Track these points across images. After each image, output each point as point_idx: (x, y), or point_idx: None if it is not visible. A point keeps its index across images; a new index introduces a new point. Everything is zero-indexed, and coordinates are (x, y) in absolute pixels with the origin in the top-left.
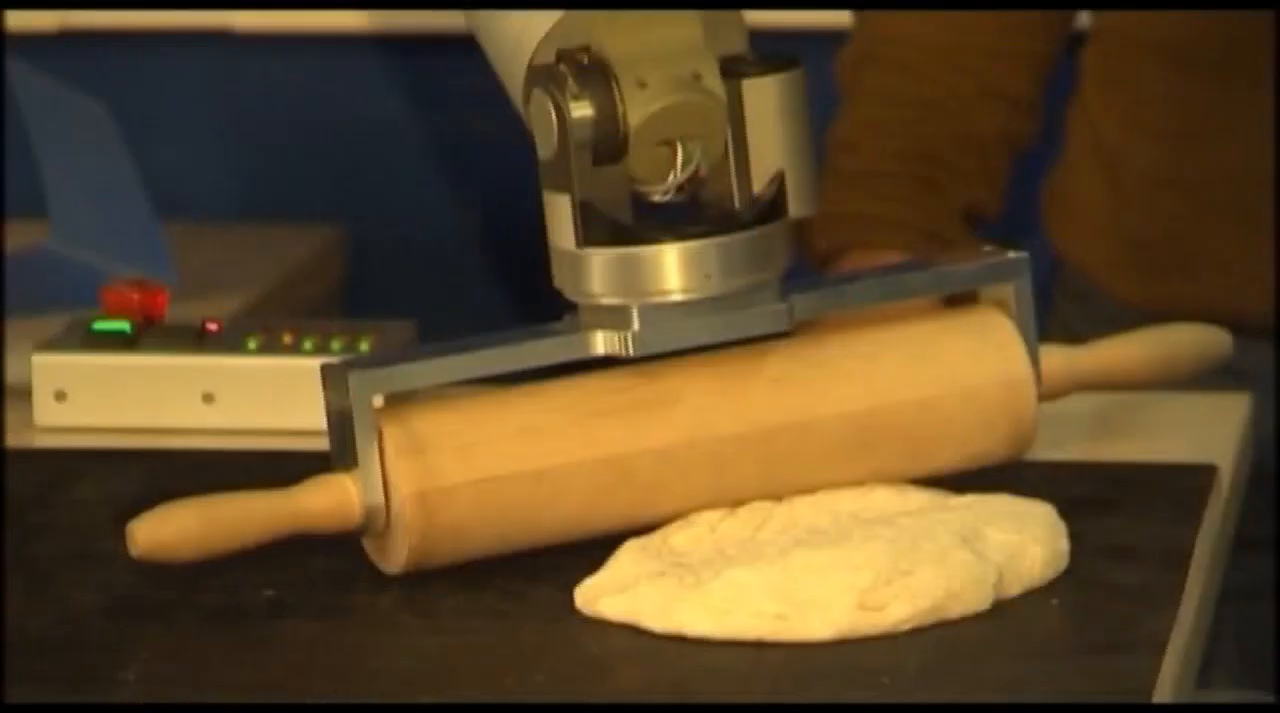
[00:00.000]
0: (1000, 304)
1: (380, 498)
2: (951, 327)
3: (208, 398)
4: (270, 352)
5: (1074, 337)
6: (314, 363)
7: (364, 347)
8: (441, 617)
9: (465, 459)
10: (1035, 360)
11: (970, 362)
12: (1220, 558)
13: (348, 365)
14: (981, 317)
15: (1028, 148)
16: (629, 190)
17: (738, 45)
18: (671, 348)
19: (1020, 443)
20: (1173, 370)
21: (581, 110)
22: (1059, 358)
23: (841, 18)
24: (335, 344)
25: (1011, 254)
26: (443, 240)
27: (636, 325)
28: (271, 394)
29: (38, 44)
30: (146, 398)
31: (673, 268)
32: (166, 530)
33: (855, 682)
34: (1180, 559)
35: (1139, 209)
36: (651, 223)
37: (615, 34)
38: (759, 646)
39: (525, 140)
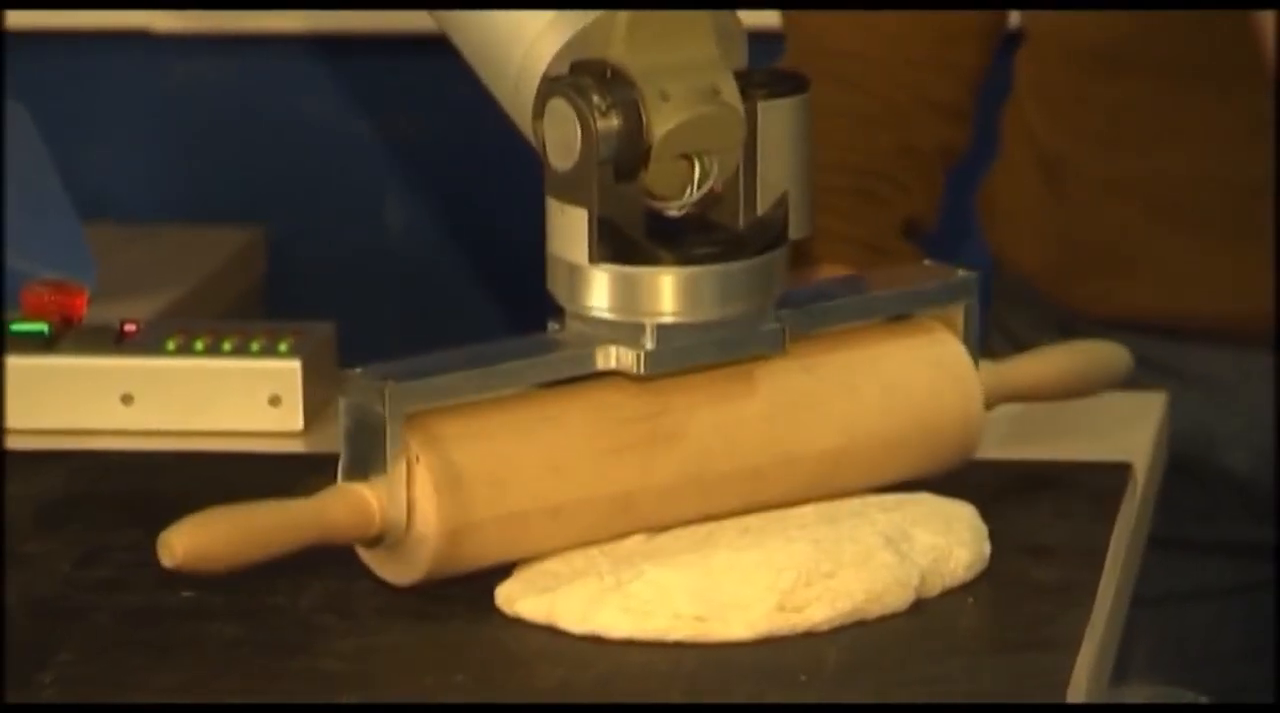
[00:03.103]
0: (947, 320)
1: (403, 511)
2: (914, 353)
3: (126, 399)
4: (189, 353)
5: (1012, 338)
6: (233, 364)
7: (283, 348)
8: (362, 617)
9: (491, 489)
10: (979, 380)
11: (934, 394)
12: (1135, 555)
13: (376, 376)
14: (938, 342)
15: (961, 159)
16: (644, 205)
17: (741, 60)
18: (676, 367)
19: (964, 458)
20: (1086, 387)
21: (608, 122)
22: (990, 375)
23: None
24: (254, 345)
25: (961, 273)
26: (362, 242)
27: (650, 345)
28: (190, 395)
29: None
30: (65, 399)
31: (686, 290)
32: (204, 540)
33: (773, 681)
34: (1095, 556)
35: (1081, 214)
36: (659, 241)
37: (633, 46)
38: (678, 645)
39: (444, 142)
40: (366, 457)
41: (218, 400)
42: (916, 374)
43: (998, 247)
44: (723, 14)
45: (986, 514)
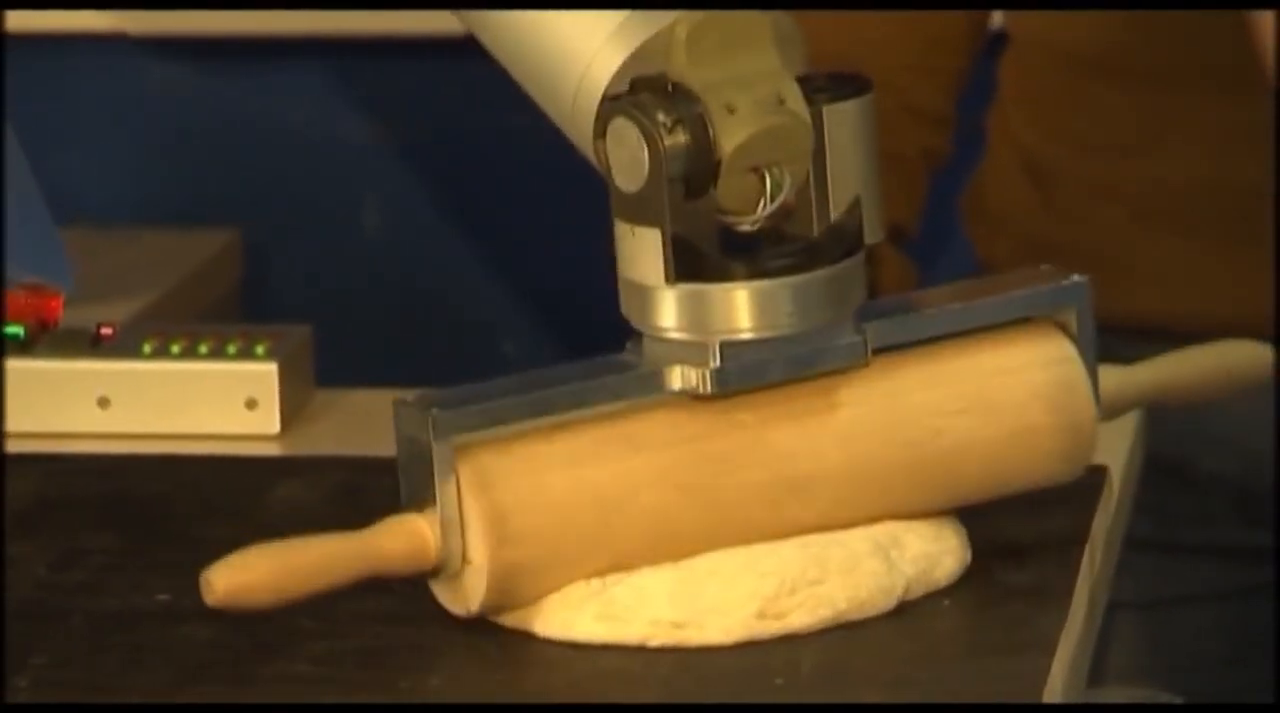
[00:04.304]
0: (1060, 324)
1: (458, 543)
2: (1016, 364)
3: (103, 402)
4: (165, 356)
5: None
6: (209, 367)
7: (260, 351)
8: (337, 620)
9: (543, 528)
10: (1095, 384)
11: (1035, 409)
12: (1111, 557)
13: (426, 403)
14: (1045, 350)
15: (943, 165)
16: (716, 222)
17: (801, 65)
18: (749, 385)
19: (1074, 472)
20: (1228, 386)
21: (675, 139)
22: (1116, 377)
23: None
24: (231, 348)
25: (1075, 278)
26: (340, 245)
27: (715, 363)
28: (166, 398)
29: None
30: (41, 403)
31: (754, 305)
32: (244, 578)
33: (749, 684)
34: (1071, 559)
35: (1069, 217)
36: (730, 256)
37: (694, 59)
38: (656, 649)
39: (422, 146)
40: (420, 488)
41: (194, 403)
42: (1013, 387)
43: (983, 250)
44: (780, 18)
45: (963, 517)
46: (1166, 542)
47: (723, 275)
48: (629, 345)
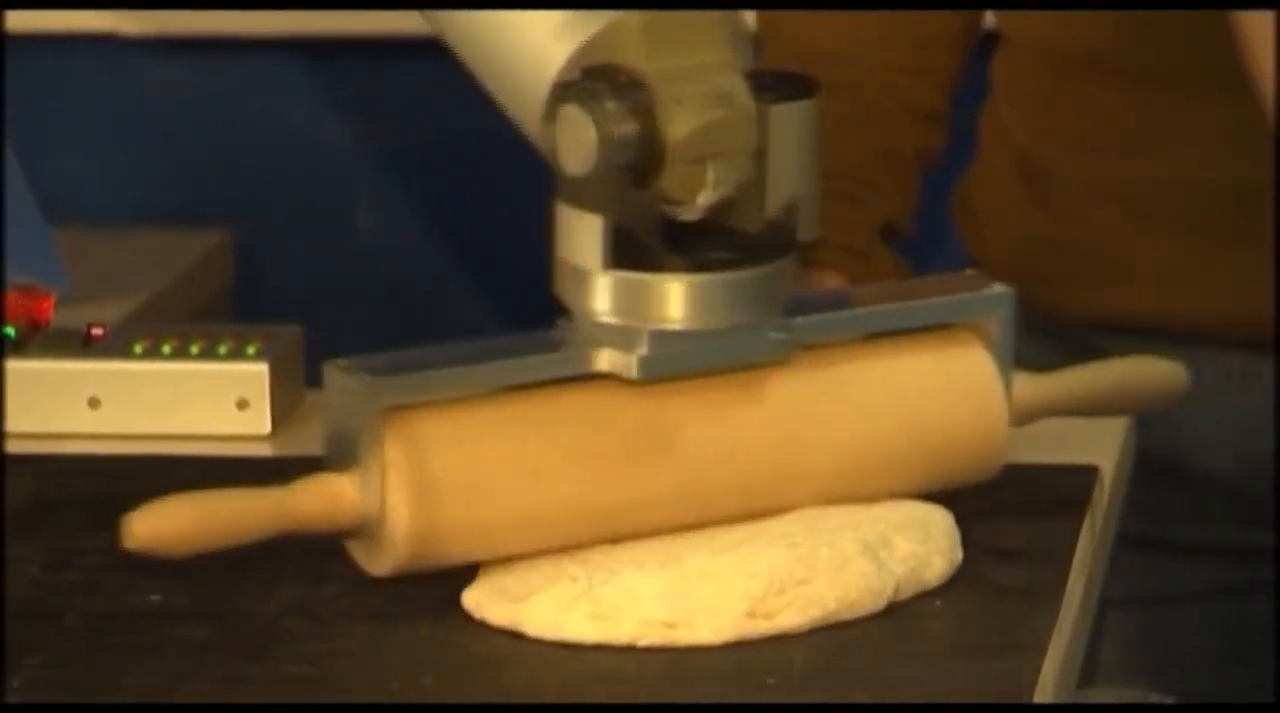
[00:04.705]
0: (978, 331)
1: (378, 505)
2: (936, 367)
3: (93, 403)
4: (156, 356)
5: None
6: (200, 367)
7: (251, 351)
8: (328, 621)
9: (465, 492)
10: (1010, 393)
11: (950, 410)
12: (1102, 557)
13: (356, 369)
14: (964, 356)
15: (937, 163)
16: (658, 211)
17: (748, 61)
18: (674, 373)
19: (983, 475)
20: (1140, 403)
21: (624, 127)
22: (1030, 387)
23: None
24: (222, 349)
25: (998, 288)
26: (332, 245)
27: (644, 350)
28: (157, 399)
29: None
30: (32, 403)
31: (687, 299)
32: (164, 525)
33: (740, 684)
34: (1062, 560)
35: (1061, 217)
36: (669, 247)
37: (647, 50)
38: (646, 649)
39: (415, 146)
40: (345, 449)
41: (185, 404)
42: (934, 389)
43: (974, 249)
44: (732, 15)
45: (954, 517)
46: (1159, 540)
47: (659, 266)
48: (561, 322)
